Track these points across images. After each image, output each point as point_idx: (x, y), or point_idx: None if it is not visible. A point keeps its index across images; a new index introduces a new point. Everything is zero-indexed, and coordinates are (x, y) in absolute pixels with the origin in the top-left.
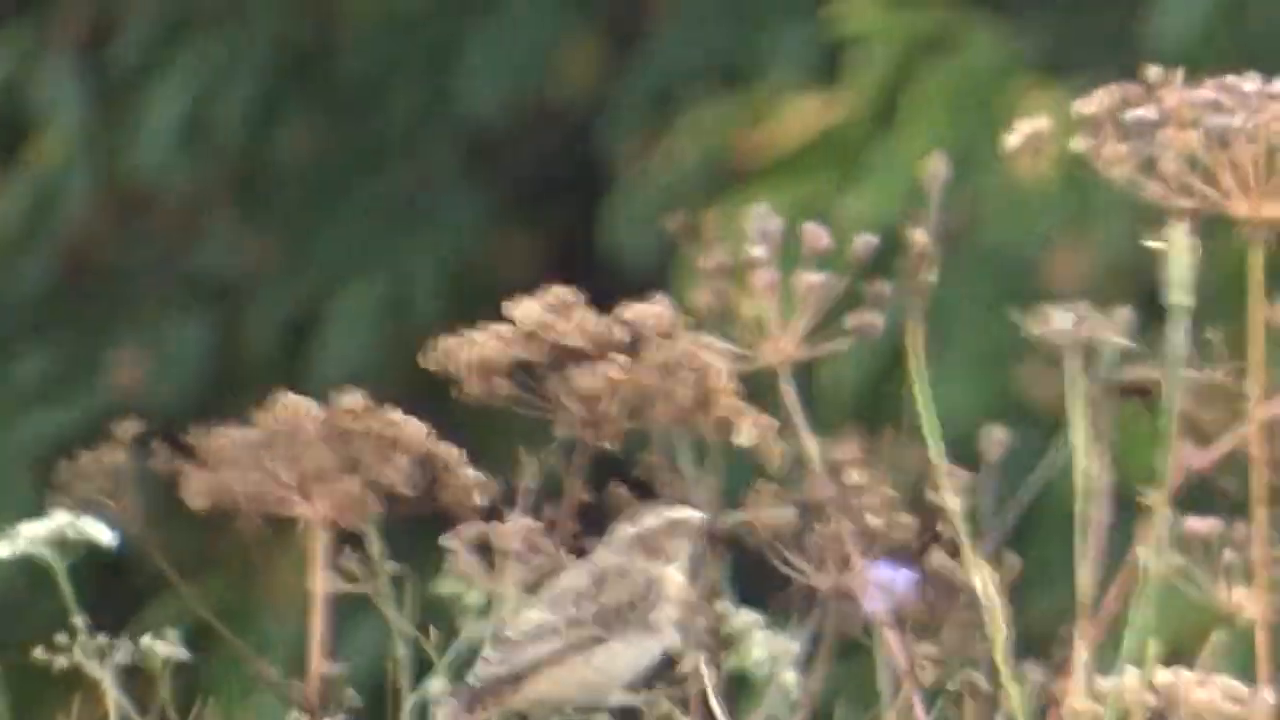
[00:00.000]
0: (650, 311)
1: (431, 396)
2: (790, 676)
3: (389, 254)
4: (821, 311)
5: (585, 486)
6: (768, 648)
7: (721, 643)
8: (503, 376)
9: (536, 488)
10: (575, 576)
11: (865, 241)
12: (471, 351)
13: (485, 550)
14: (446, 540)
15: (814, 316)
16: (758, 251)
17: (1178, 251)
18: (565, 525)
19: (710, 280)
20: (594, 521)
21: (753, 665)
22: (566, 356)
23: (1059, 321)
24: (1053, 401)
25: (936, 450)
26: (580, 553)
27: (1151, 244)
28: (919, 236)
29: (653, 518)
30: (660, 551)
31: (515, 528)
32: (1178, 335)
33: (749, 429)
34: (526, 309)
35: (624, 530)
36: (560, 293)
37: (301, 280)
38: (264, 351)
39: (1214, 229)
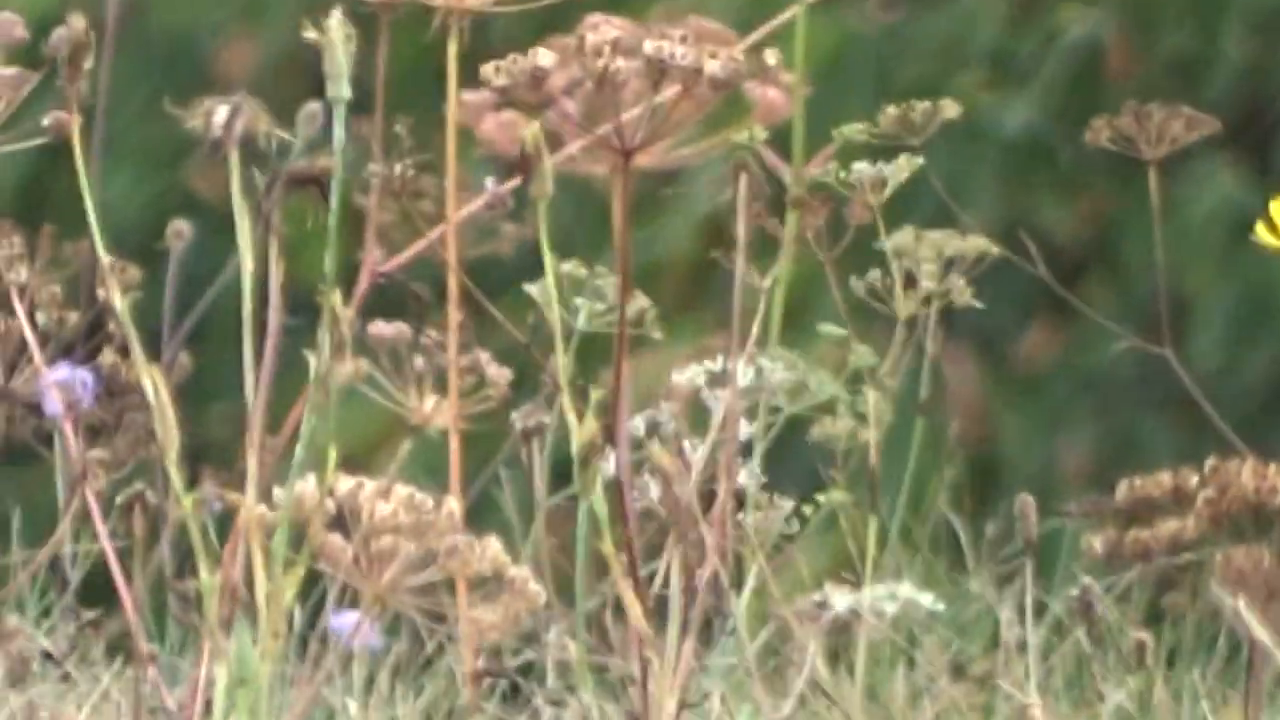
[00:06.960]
0: None
1: None
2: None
3: None
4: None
5: None
6: None
7: None
8: None
9: None
10: None
11: (11, 27)
12: None
13: None
14: None
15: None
16: None
17: (335, 43)
18: None
19: None
20: None
21: None
22: None
23: (217, 114)
24: (223, 197)
25: (102, 246)
26: None
27: (310, 35)
28: (76, 23)
29: None
30: None
31: None
32: (339, 128)
33: None
34: None
35: None
36: None
37: None
38: None
39: (411, 20)
